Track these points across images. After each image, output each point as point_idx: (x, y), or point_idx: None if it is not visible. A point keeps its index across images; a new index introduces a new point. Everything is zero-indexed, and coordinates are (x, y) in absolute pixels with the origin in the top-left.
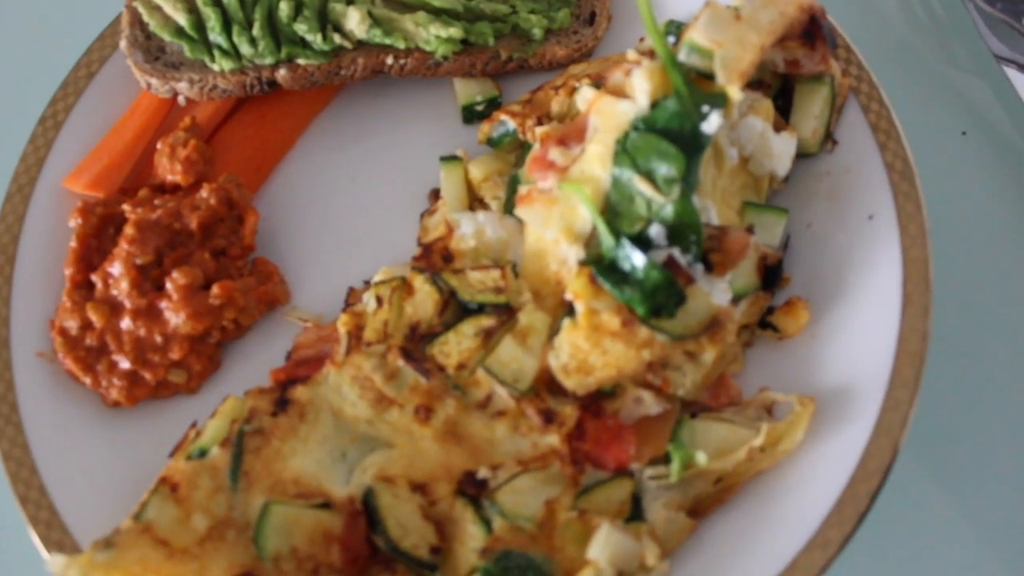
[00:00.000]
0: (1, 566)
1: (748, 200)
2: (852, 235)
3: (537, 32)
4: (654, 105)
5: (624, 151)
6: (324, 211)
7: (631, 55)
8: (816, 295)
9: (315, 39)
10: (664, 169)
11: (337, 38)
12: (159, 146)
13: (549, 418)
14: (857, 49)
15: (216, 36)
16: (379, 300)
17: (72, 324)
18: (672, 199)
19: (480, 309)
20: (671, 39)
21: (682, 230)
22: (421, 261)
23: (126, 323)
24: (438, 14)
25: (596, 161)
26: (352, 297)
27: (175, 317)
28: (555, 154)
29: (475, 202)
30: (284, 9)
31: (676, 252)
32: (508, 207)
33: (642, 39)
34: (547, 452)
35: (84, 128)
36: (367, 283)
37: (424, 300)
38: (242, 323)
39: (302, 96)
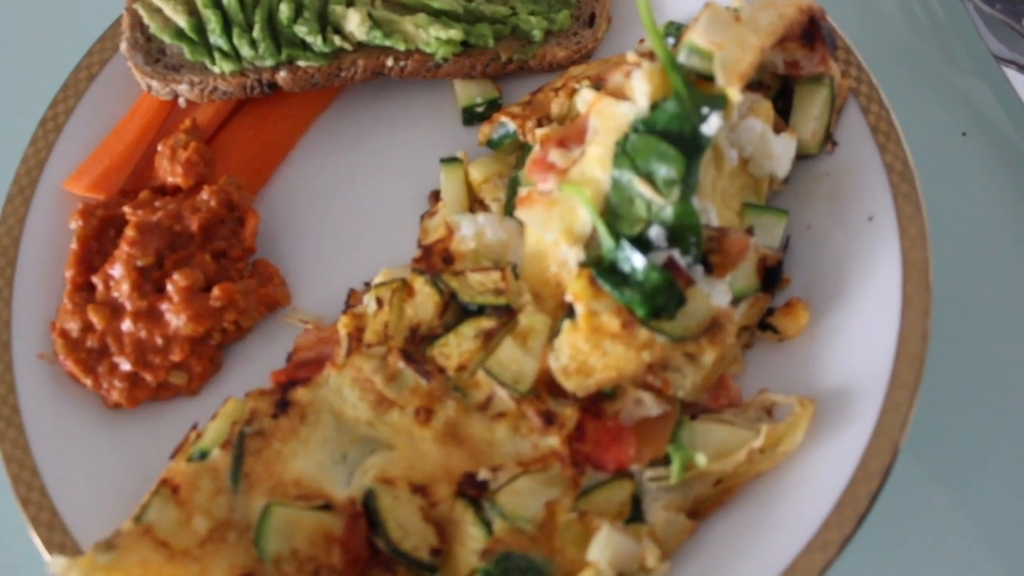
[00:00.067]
0: (3, 568)
1: (748, 201)
2: (852, 236)
3: (537, 34)
4: (654, 107)
5: (624, 153)
6: (324, 213)
7: (631, 57)
8: (816, 296)
9: (315, 41)
10: (664, 171)
11: (337, 40)
12: (160, 148)
13: (549, 420)
14: (857, 50)
15: (216, 38)
16: (379, 302)
17: (73, 326)
18: (672, 201)
19: (480, 311)
20: (671, 41)
21: (682, 232)
22: (421, 263)
23: (127, 325)
24: (438, 16)
25: (596, 163)
26: (352, 299)
27: (176, 319)
28: (555, 156)
29: (475, 204)
30: (284, 11)
31: (676, 254)
32: (508, 209)
33: (642, 41)
34: (547, 454)
35: (85, 130)
36: (367, 285)
37: (424, 302)
38: (243, 325)
39: (302, 98)
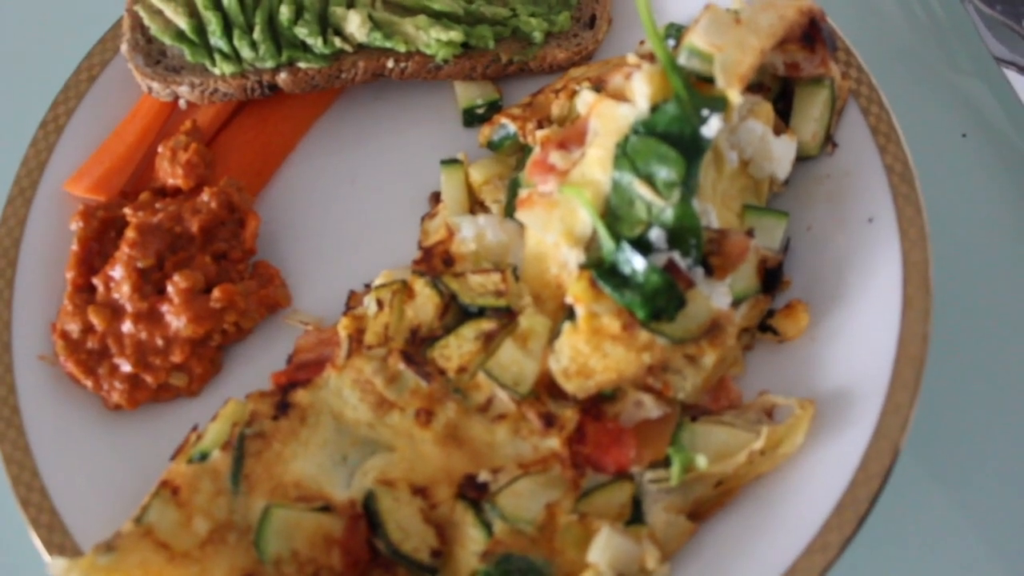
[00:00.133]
0: (3, 569)
1: (748, 203)
2: (852, 238)
3: (537, 35)
4: (654, 109)
5: (624, 155)
6: (325, 214)
7: (631, 58)
8: (816, 298)
9: (316, 43)
10: (664, 173)
11: (338, 42)
12: (160, 150)
13: (549, 421)
14: (857, 52)
15: (217, 40)
16: (380, 303)
17: (73, 327)
18: (672, 203)
19: (481, 312)
20: (671, 42)
21: (682, 233)
22: (422, 264)
23: (127, 326)
24: (438, 17)
25: (596, 165)
26: (353, 300)
27: (176, 320)
28: (555, 157)
29: (476, 205)
30: (285, 13)
31: (676, 255)
32: (509, 210)
33: (642, 42)
34: (547, 455)
35: (85, 132)
36: (368, 286)
37: (425, 303)
38: (243, 326)
39: (303, 99)
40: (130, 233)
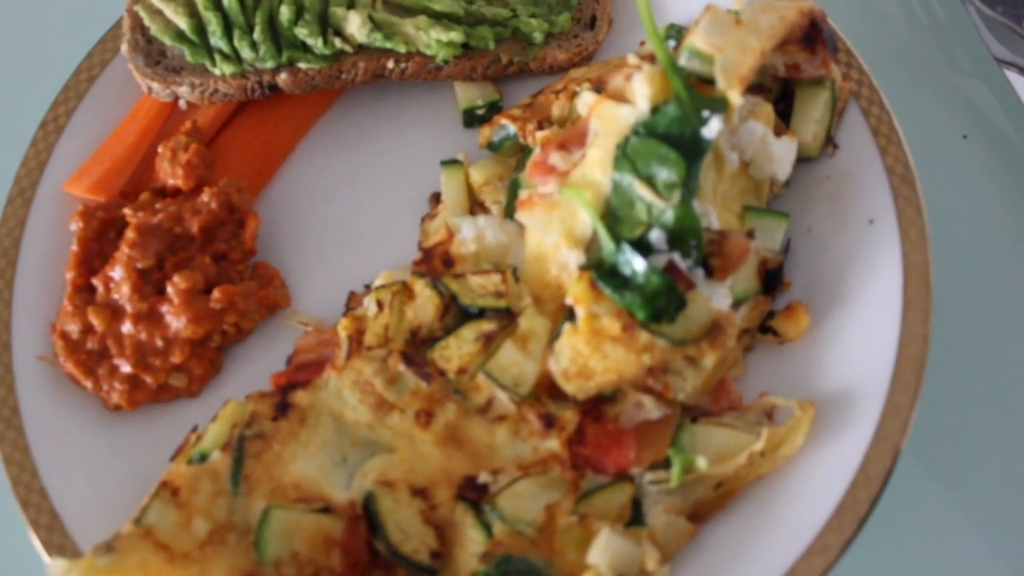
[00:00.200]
0: (2, 569)
1: (749, 204)
2: (853, 239)
3: (538, 36)
4: (654, 110)
5: (624, 156)
6: (325, 215)
7: (631, 59)
8: (817, 299)
9: (316, 43)
10: (664, 174)
11: (338, 42)
12: (160, 150)
13: (549, 423)
14: (858, 53)
15: (217, 40)
16: (380, 304)
17: (73, 328)
18: (672, 204)
19: (481, 313)
20: (671, 43)
21: (682, 235)
22: (422, 265)
23: (127, 327)
24: (439, 18)
25: (597, 166)
26: (353, 301)
27: (176, 321)
28: (556, 158)
29: (476, 206)
30: (285, 13)
31: (676, 257)
32: (509, 211)
33: (643, 43)
34: (547, 457)
35: (85, 132)
36: (368, 287)
37: (425, 304)
38: (243, 327)
39: (303, 100)
40: (130, 233)
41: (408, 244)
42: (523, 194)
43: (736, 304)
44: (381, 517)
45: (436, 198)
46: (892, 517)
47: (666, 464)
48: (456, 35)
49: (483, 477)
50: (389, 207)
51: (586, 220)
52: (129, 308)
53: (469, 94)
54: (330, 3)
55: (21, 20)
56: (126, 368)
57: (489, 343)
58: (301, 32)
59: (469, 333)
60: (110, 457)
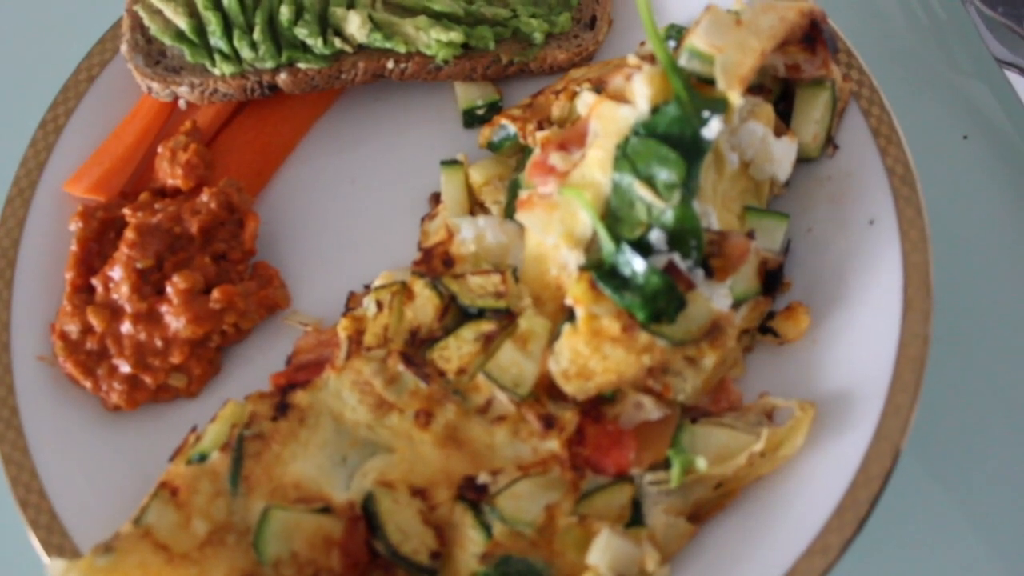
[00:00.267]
0: (2, 570)
1: (749, 205)
2: (853, 240)
3: (538, 36)
4: (655, 110)
5: (624, 156)
6: (324, 215)
7: (632, 59)
8: (817, 300)
9: (316, 43)
10: (664, 174)
11: (338, 42)
12: (160, 150)
13: (549, 423)
14: (858, 53)
15: (217, 40)
16: (379, 305)
17: (72, 328)
18: (672, 204)
19: (480, 314)
20: (672, 44)
21: (682, 235)
22: (421, 266)
23: (126, 327)
24: (439, 18)
25: (596, 166)
26: (352, 301)
27: (175, 321)
28: (556, 159)
29: (476, 206)
30: (285, 13)
31: (676, 257)
32: (509, 212)
33: (643, 43)
34: (547, 457)
35: (85, 132)
36: (367, 287)
37: (424, 305)
38: (242, 327)
39: (303, 100)
40: (129, 234)
41: (408, 244)
42: (523, 194)
43: (736, 304)
44: (381, 517)
45: (436, 198)
46: (892, 517)
47: (666, 465)
48: (456, 35)
49: (483, 478)
50: (389, 207)
51: (586, 220)
52: (128, 308)
53: (469, 94)
54: (330, 3)
55: (21, 20)
56: (125, 368)
57: (489, 343)
58: (301, 32)
59: (469, 333)
60: (109, 457)
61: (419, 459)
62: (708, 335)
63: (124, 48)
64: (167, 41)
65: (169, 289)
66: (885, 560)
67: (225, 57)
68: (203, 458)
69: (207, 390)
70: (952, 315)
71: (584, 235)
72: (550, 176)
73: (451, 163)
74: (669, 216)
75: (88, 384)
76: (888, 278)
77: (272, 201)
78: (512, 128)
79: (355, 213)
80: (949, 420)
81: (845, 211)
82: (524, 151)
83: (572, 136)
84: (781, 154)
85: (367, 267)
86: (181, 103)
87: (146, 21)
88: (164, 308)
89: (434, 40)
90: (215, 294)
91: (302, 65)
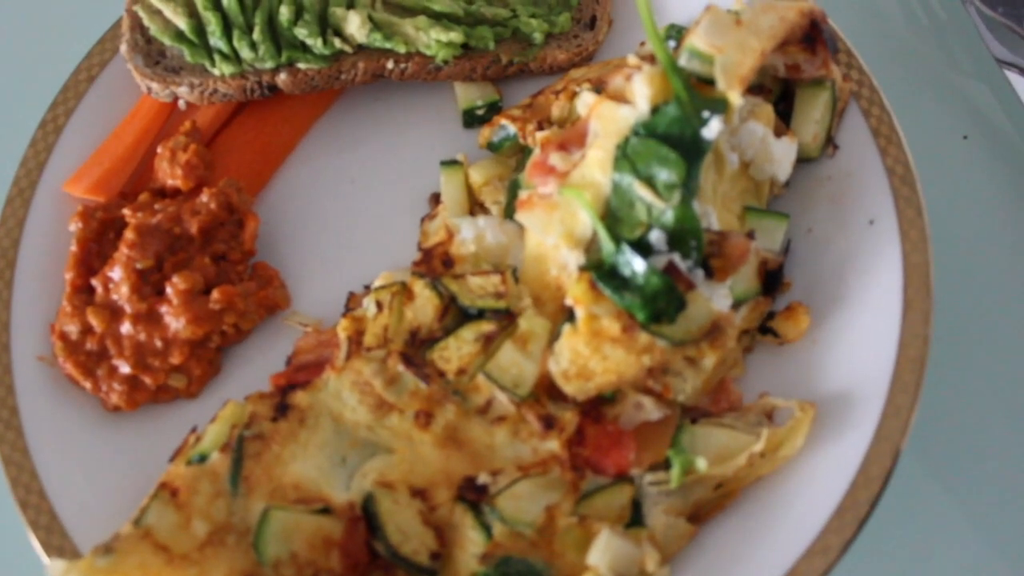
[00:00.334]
0: (1, 570)
1: (749, 205)
2: (853, 240)
3: (538, 36)
4: (655, 110)
5: (624, 156)
6: (324, 215)
7: (631, 60)
8: (817, 300)
9: (315, 43)
10: (664, 174)
11: (337, 42)
12: (159, 150)
13: (549, 424)
14: (858, 53)
15: (216, 40)
16: (379, 305)
17: (72, 328)
18: (672, 204)
19: (480, 314)
20: (672, 44)
21: (682, 235)
22: (421, 266)
23: (126, 327)
24: (438, 18)
25: (596, 166)
26: (352, 302)
27: (175, 322)
28: (555, 159)
29: (475, 207)
30: (284, 13)
31: (676, 257)
32: (508, 212)
33: (643, 43)
34: (547, 458)
35: (84, 132)
36: (367, 288)
37: (424, 305)
38: (242, 328)
39: (302, 100)
40: (129, 234)
41: (408, 244)
42: (523, 194)
43: (736, 305)
44: (381, 518)
45: (436, 198)
46: (892, 518)
47: (666, 465)
48: (456, 35)
49: (483, 478)
50: (389, 207)
51: (586, 221)
52: (128, 309)
53: (469, 94)
54: (330, 3)
55: (21, 20)
56: (125, 369)
57: (489, 344)
58: (301, 32)
59: (469, 334)
60: (109, 458)
61: (419, 460)
62: (708, 335)
63: (124, 48)
64: (167, 41)
65: (169, 290)
66: (885, 560)
67: (225, 57)
68: (203, 459)
69: (207, 391)
70: (952, 315)
71: (584, 235)
72: (550, 176)
73: (451, 163)
74: (669, 216)
75: (88, 385)
76: (888, 278)
77: (272, 201)
78: (512, 128)
79: (355, 213)
80: (949, 420)
81: (845, 211)
82: (524, 151)
83: (572, 136)
84: (781, 154)
85: (367, 267)
86: (181, 103)
87: (146, 21)
88: (164, 309)
89: (434, 40)
90: (215, 294)
91: (302, 65)
